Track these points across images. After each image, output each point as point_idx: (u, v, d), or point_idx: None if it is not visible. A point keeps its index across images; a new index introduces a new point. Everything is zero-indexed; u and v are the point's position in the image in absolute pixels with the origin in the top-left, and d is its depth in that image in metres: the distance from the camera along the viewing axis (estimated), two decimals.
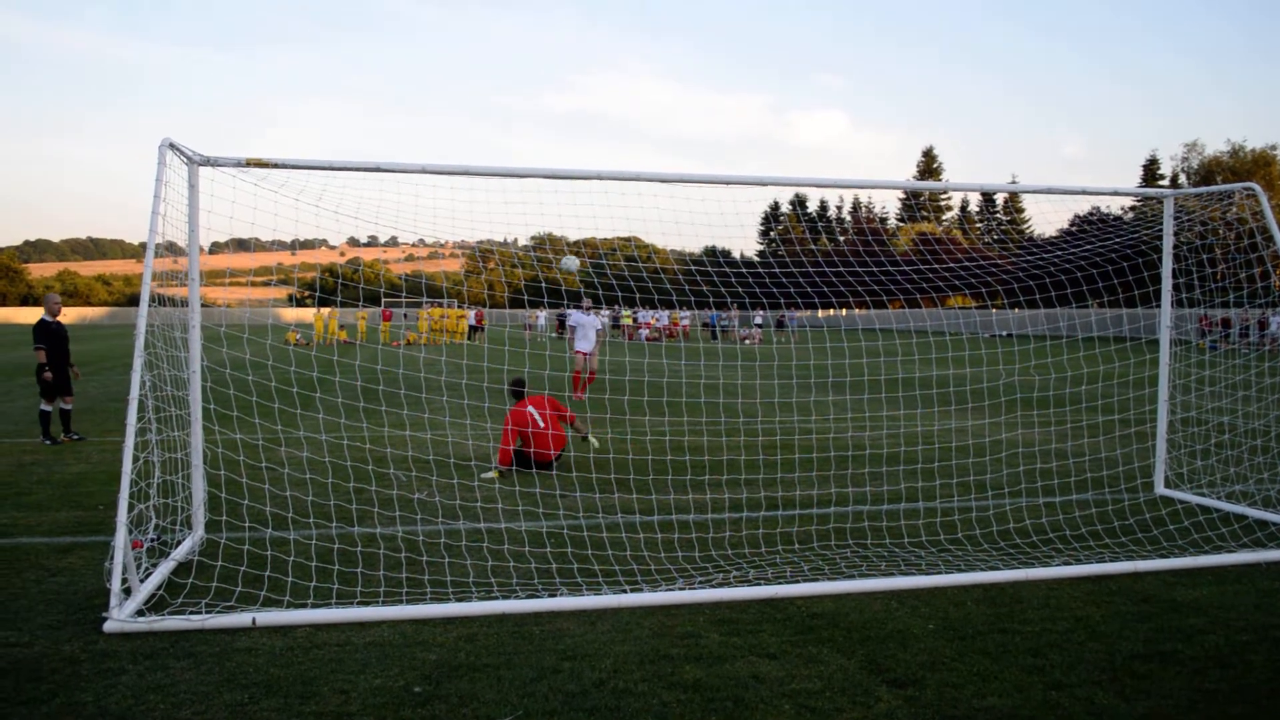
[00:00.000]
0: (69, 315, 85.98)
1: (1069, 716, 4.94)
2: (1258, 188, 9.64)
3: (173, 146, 7.33)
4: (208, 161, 7.76)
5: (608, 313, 19.57)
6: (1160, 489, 10.45)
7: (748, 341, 49.48)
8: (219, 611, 6.33)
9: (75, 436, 14.24)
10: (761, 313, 52.21)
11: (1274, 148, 76.60)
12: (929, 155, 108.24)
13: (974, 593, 7.04)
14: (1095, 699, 5.16)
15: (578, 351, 20.04)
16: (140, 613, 6.29)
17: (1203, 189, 10.55)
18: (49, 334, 14.03)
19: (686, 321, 56.15)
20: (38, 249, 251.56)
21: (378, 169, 7.78)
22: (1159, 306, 10.59)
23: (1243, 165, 74.41)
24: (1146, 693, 5.25)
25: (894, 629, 6.26)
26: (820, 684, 5.35)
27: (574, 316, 20.40)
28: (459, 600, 6.69)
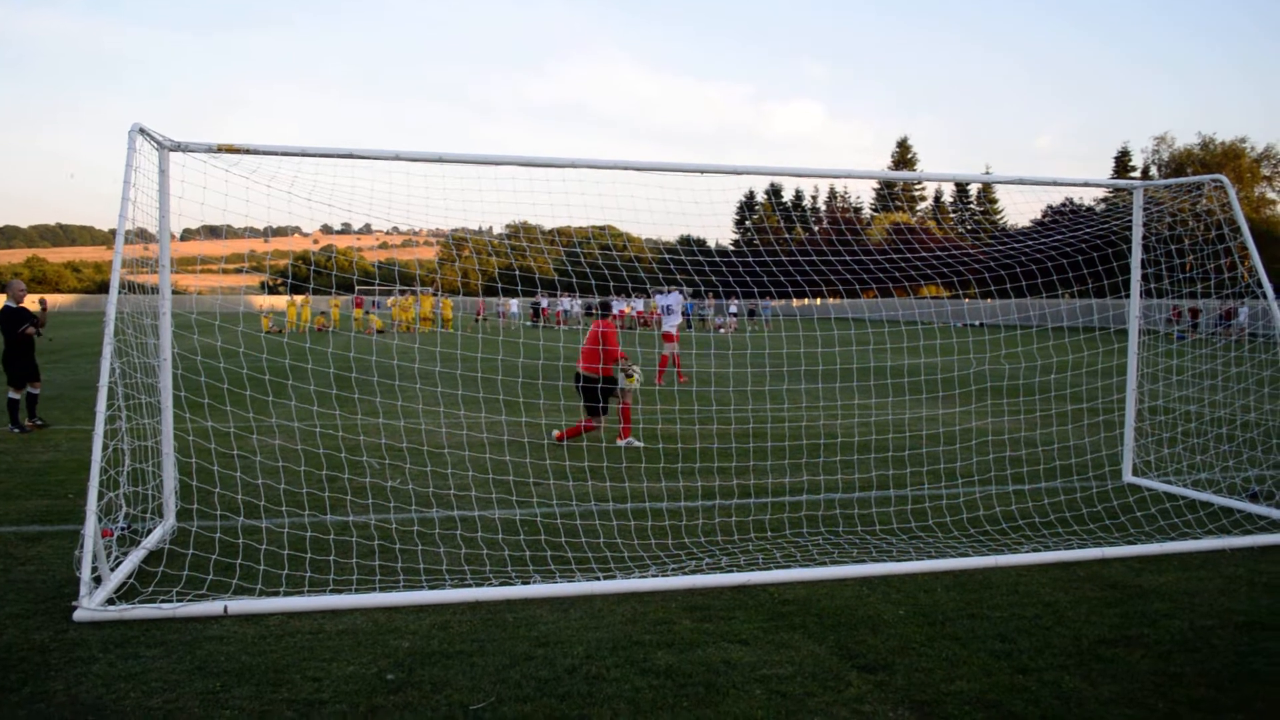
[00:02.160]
0: (35, 304, 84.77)
1: (1036, 700, 5.01)
2: (1226, 180, 9.74)
3: (143, 131, 7.26)
4: (179, 147, 7.70)
5: (679, 294, 20.68)
6: (1128, 477, 10.58)
7: (722, 330, 49.59)
8: (190, 600, 6.31)
9: (39, 423, 14.09)
10: (736, 302, 52.30)
11: (1243, 141, 77.26)
12: (903, 146, 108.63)
13: (944, 579, 7.11)
14: (1062, 682, 5.24)
15: (666, 333, 20.28)
16: (111, 601, 6.26)
17: (1172, 180, 10.65)
18: (17, 320, 13.89)
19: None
20: (5, 235, 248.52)
21: (350, 155, 7.74)
22: (1128, 297, 10.70)
23: (1213, 158, 74.96)
24: (1113, 676, 5.33)
25: (865, 615, 6.31)
26: (791, 669, 5.40)
27: (660, 299, 20.52)
28: (432, 588, 6.70)
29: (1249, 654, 5.70)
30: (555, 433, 12.70)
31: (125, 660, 5.46)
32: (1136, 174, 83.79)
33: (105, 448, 6.47)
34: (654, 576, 6.99)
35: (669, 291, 20.54)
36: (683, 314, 21.15)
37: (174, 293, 8.23)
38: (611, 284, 11.34)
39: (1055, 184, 10.14)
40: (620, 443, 12.39)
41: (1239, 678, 5.34)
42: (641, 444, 12.23)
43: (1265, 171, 77.91)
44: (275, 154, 7.69)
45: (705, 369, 20.81)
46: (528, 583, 6.84)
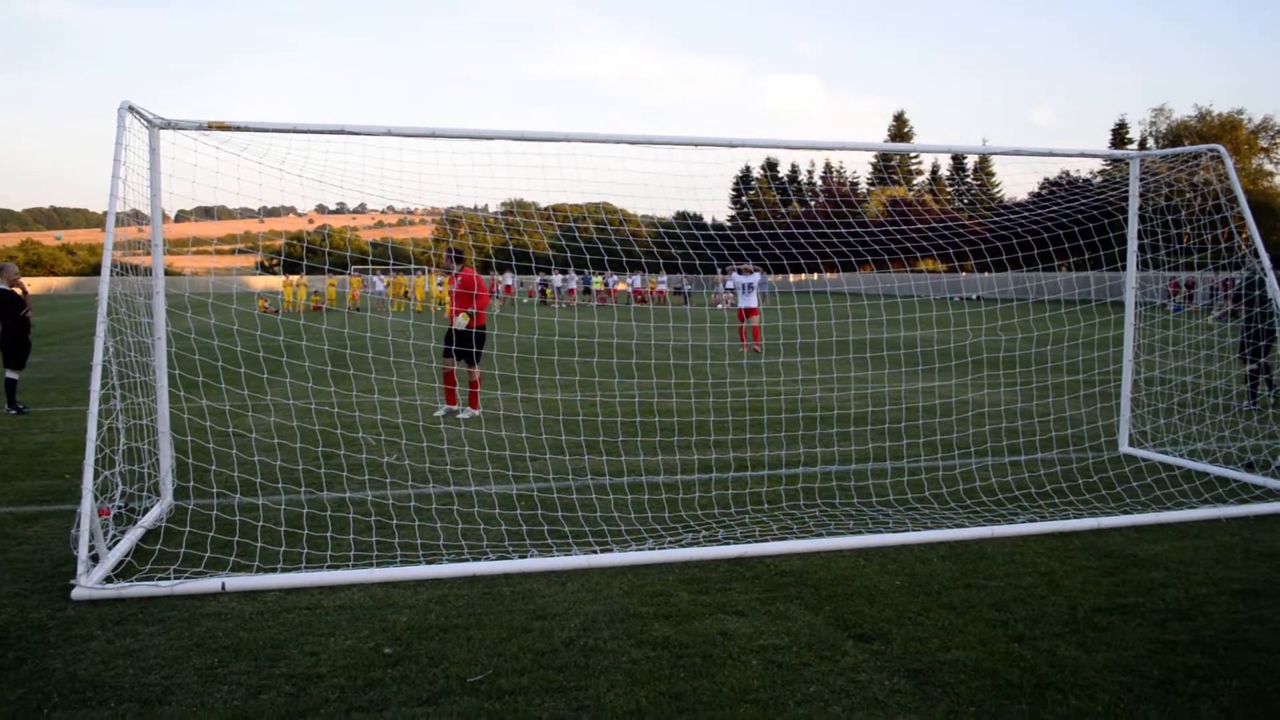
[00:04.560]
0: (32, 286, 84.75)
1: (1031, 668, 5.03)
2: (1223, 149, 9.69)
3: (132, 109, 7.21)
4: (169, 125, 7.64)
5: (757, 276, 23.58)
6: (1124, 447, 10.59)
7: (719, 306, 49.57)
8: (188, 577, 6.31)
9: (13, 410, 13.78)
10: (733, 277, 52.26)
11: (1240, 112, 77.06)
12: (900, 120, 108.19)
13: (940, 549, 7.13)
14: (1057, 651, 5.25)
15: (742, 308, 22.76)
16: (108, 579, 6.26)
17: (1169, 151, 10.61)
18: (10, 303, 13.85)
19: (664, 286, 56.19)
20: None
21: (342, 131, 7.69)
22: (1125, 268, 10.69)
23: (1210, 129, 74.75)
24: (1107, 644, 5.35)
25: (861, 585, 6.33)
26: (788, 640, 5.41)
27: (734, 279, 23.21)
28: (429, 563, 6.71)
29: (1244, 622, 5.72)
30: (463, 414, 12.68)
31: (123, 637, 5.47)
32: (1134, 146, 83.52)
33: (100, 427, 6.47)
34: (651, 549, 7.01)
35: (747, 272, 23.11)
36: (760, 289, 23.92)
37: (168, 274, 8.21)
38: (606, 259, 11.31)
39: (1051, 154, 10.11)
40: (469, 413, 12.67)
41: (1234, 645, 5.36)
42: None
43: (1262, 143, 77.76)
44: (266, 130, 7.63)
45: (701, 342, 20.81)
46: (525, 556, 6.85)
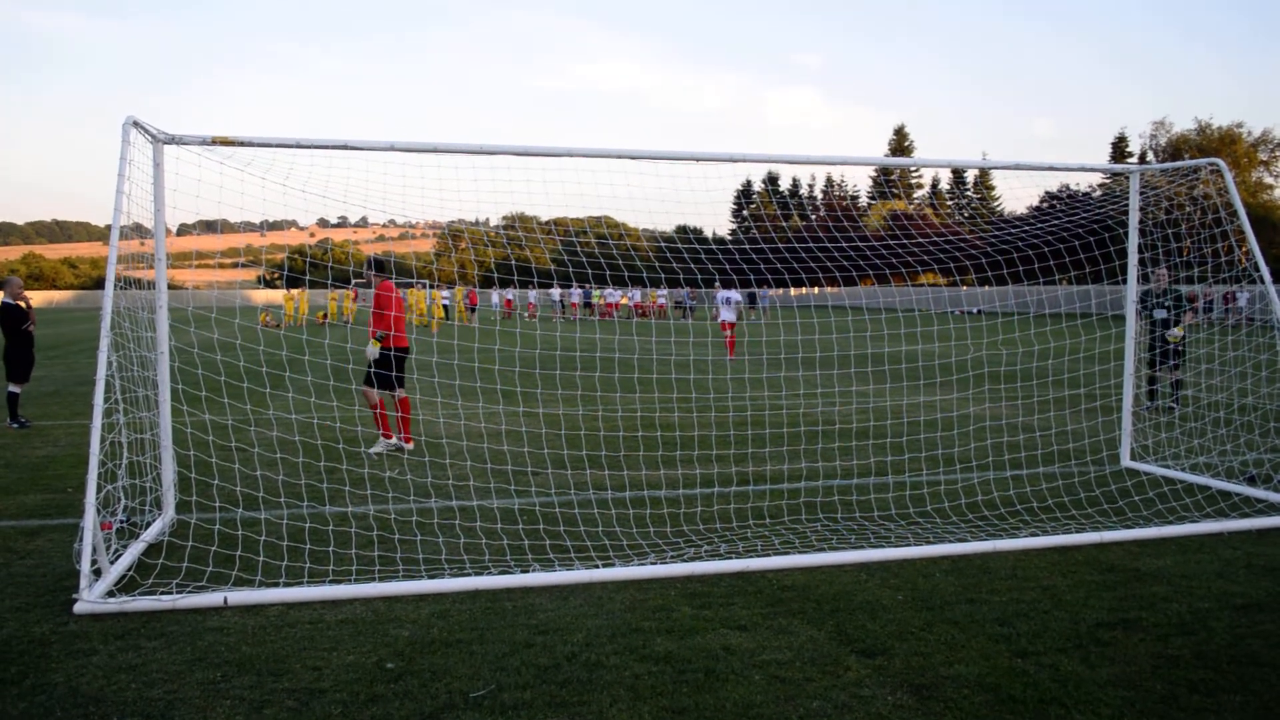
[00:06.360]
0: (35, 299, 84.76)
1: (1035, 683, 5.02)
2: (1222, 163, 9.72)
3: (137, 124, 7.24)
4: (173, 140, 7.68)
5: (738, 293, 27.06)
6: (1126, 461, 10.59)
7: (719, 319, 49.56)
8: (190, 591, 6.31)
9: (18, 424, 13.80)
10: (734, 291, 52.33)
11: (1240, 125, 77.25)
12: (900, 133, 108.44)
13: (942, 564, 7.12)
14: (1060, 666, 5.25)
15: (723, 321, 25.70)
16: (111, 594, 6.26)
17: (1168, 165, 10.63)
18: (13, 316, 13.87)
19: (664, 300, 56.31)
20: (2, 232, 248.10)
21: (345, 146, 7.72)
22: (1125, 282, 10.70)
23: (1209, 143, 74.87)
24: (1111, 659, 5.34)
25: (863, 600, 6.33)
26: (790, 654, 5.41)
27: (720, 295, 26.12)
28: (431, 577, 6.71)
29: (1247, 636, 5.71)
30: (404, 441, 11.37)
31: (125, 652, 5.47)
32: (1134, 159, 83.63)
33: (103, 441, 6.48)
34: (653, 564, 7.00)
35: (727, 289, 25.79)
36: (740, 305, 26.97)
37: (171, 288, 8.23)
38: (609, 274, 11.33)
39: (1051, 169, 10.14)
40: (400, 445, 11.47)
41: (1237, 660, 5.36)
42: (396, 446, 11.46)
43: (1262, 156, 77.86)
44: (270, 145, 7.67)
45: (703, 356, 20.83)
46: (527, 571, 6.85)
